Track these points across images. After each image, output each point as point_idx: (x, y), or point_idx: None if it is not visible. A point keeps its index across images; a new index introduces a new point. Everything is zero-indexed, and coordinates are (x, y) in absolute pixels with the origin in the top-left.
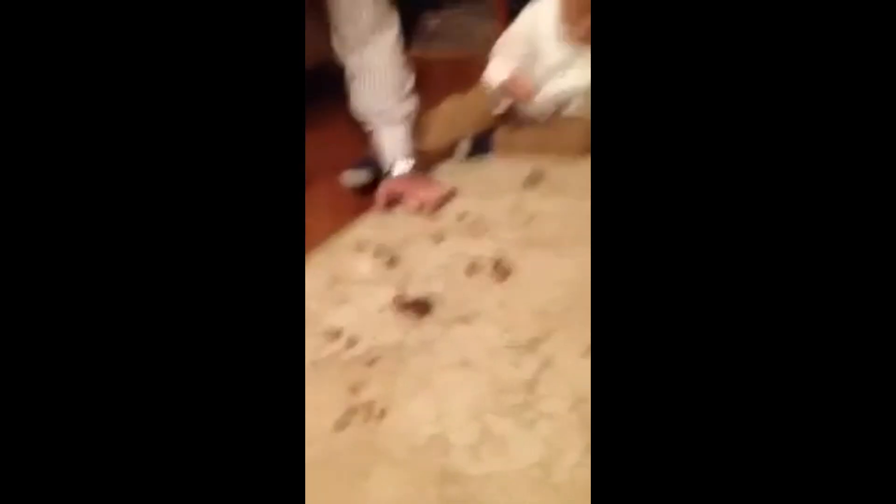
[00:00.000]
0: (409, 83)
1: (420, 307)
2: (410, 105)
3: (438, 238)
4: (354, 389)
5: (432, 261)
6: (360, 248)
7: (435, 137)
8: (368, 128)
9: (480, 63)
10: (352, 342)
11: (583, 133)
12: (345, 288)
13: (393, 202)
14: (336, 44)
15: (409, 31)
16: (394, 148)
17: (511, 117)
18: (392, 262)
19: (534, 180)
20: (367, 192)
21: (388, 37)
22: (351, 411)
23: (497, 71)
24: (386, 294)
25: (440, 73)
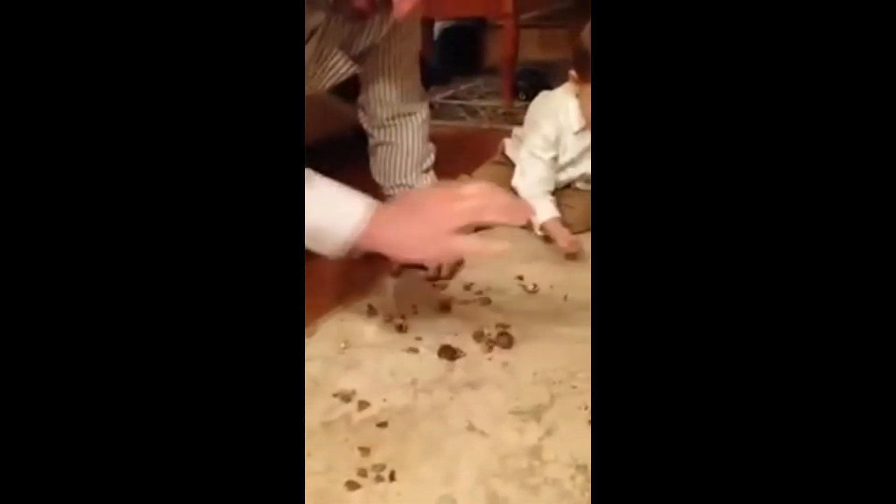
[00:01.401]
0: (430, 160)
1: (449, 352)
2: (429, 180)
3: (446, 306)
4: (366, 451)
5: (441, 328)
6: (370, 314)
7: None
8: (386, 192)
9: (486, 138)
10: (363, 405)
11: (587, 207)
12: (355, 352)
13: (405, 267)
14: (363, 118)
15: None
16: None
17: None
18: (401, 328)
19: (539, 251)
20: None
21: (417, 117)
22: (361, 472)
23: (543, 212)
24: (396, 358)
25: (446, 147)
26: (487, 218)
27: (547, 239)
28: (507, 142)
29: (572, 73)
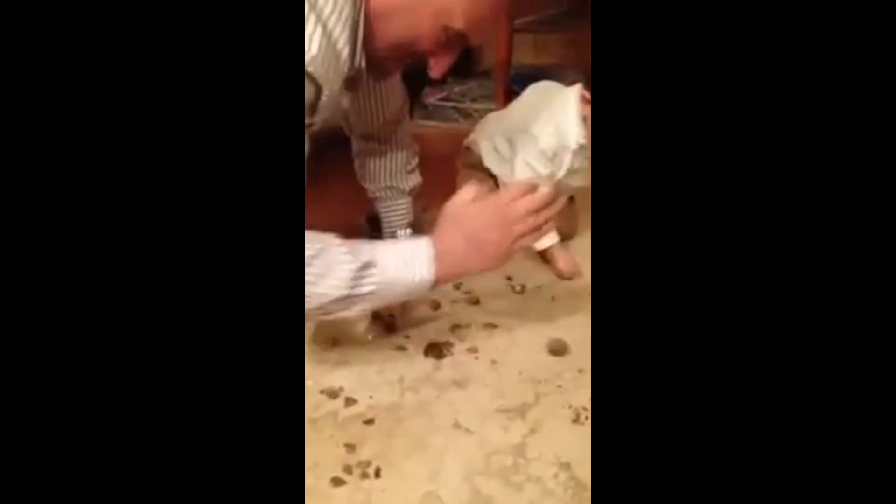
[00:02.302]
0: (415, 160)
1: (436, 350)
2: (415, 180)
3: (435, 305)
4: (351, 448)
5: (429, 326)
6: None
7: None
8: (371, 195)
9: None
10: (350, 402)
11: (573, 213)
12: (344, 349)
13: None
14: (346, 128)
15: (412, 106)
16: (396, 218)
17: None
18: (389, 327)
19: (529, 252)
20: None
21: (402, 128)
22: (347, 469)
23: (544, 238)
24: (384, 356)
25: (439, 148)
26: (540, 223)
27: (542, 255)
28: (484, 152)
29: (586, 94)
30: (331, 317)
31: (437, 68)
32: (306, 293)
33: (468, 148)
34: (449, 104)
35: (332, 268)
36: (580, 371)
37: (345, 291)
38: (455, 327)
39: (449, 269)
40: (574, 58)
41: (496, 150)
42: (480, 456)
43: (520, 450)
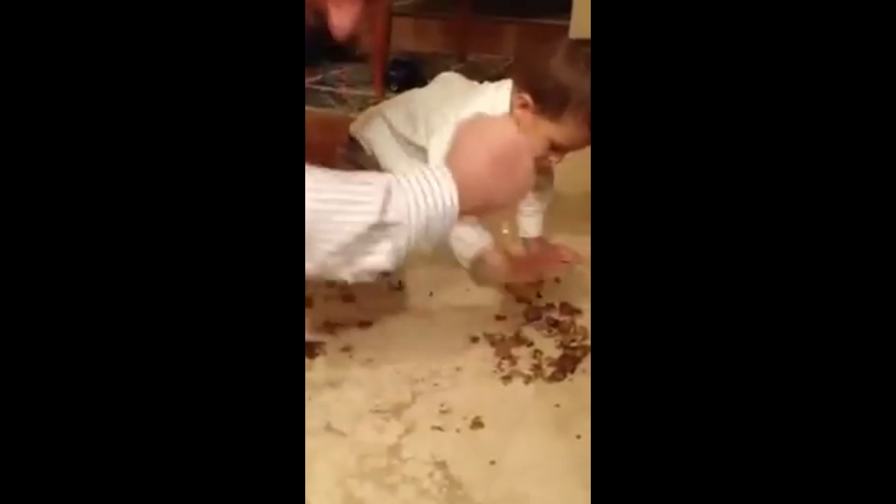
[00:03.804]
0: None
1: (308, 349)
2: None
3: (309, 302)
4: None
5: None
6: None
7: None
8: None
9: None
10: None
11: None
12: None
13: None
14: None
15: None
16: None
17: None
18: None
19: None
20: None
21: None
22: None
23: (475, 238)
24: None
25: (314, 136)
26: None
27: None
28: (378, 146)
29: (526, 98)
30: (346, 271)
31: (338, 20)
32: (322, 230)
33: (353, 139)
34: (324, 88)
35: (354, 193)
36: (458, 369)
37: (375, 218)
38: (328, 325)
39: (474, 195)
40: (455, 46)
41: (399, 141)
42: (353, 458)
43: (394, 451)
